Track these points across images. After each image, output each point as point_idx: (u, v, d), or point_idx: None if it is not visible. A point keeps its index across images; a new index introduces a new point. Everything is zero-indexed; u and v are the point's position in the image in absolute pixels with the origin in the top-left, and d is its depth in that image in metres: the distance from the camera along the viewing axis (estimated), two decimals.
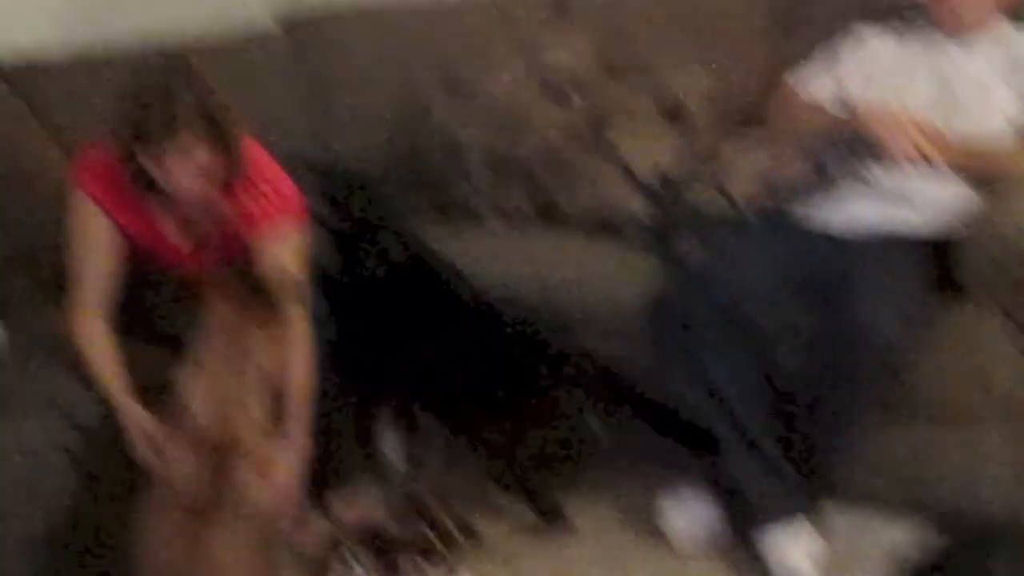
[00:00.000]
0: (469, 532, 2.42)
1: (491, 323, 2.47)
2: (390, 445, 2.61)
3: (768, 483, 2.32)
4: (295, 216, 2.36)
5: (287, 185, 2.37)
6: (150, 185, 2.21)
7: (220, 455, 2.01)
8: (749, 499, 2.34)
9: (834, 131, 2.47)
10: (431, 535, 2.34)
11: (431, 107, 3.12)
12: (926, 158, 2.33)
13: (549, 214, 2.88)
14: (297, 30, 3.37)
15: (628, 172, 2.80)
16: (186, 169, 2.15)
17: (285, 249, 2.30)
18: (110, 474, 2.28)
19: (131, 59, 2.83)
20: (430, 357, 2.47)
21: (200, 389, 2.05)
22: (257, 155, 2.32)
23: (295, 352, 2.18)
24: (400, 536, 2.31)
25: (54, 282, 2.43)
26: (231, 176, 2.22)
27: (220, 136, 2.16)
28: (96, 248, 2.25)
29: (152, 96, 2.13)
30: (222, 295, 2.09)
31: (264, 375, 2.07)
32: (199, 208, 2.27)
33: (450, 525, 2.38)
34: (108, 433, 2.26)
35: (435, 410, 2.58)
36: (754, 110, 2.88)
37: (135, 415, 2.15)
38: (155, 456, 2.10)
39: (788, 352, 2.38)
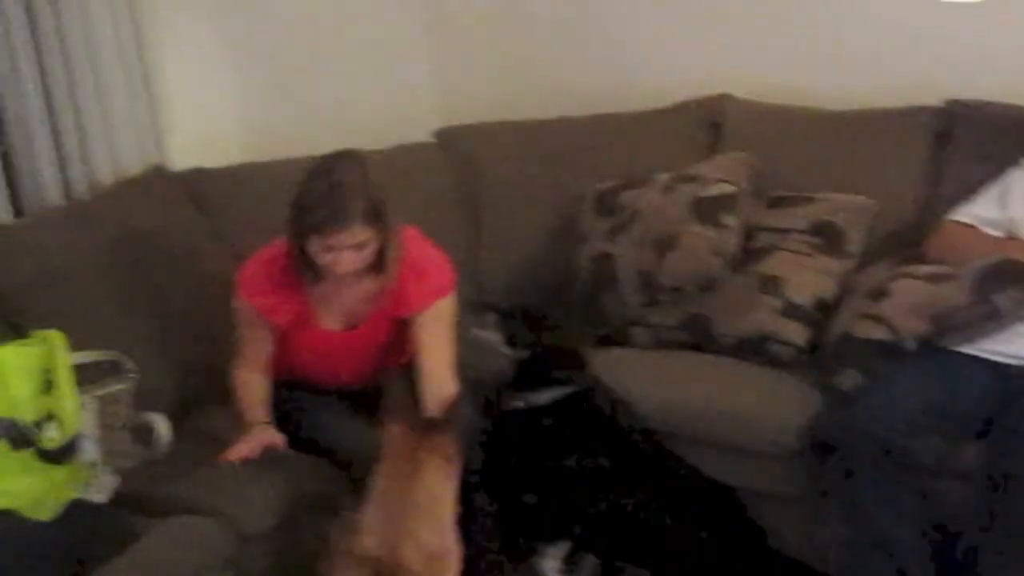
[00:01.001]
0: None
1: (651, 455, 2.47)
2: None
3: None
4: (448, 294, 2.58)
5: (442, 269, 2.60)
6: (314, 272, 2.46)
7: None
8: None
9: (1006, 270, 2.42)
10: None
11: (582, 222, 3.18)
12: None
13: (700, 336, 2.87)
14: (451, 142, 3.48)
15: (784, 297, 2.78)
16: (352, 257, 2.40)
17: (435, 329, 2.55)
18: None
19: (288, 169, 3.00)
20: (587, 490, 2.48)
21: (371, 512, 2.12)
22: (414, 240, 2.56)
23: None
24: None
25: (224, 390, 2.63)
26: (391, 261, 2.47)
27: (383, 226, 2.41)
28: (254, 335, 2.60)
29: (326, 188, 2.36)
30: (396, 420, 2.19)
31: (433, 498, 2.11)
32: (358, 292, 2.53)
33: None
34: (272, 545, 2.35)
35: (590, 545, 2.57)
36: (912, 240, 2.85)
37: (266, 433, 2.48)
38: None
39: (951, 490, 2.32)
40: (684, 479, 2.53)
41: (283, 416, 2.58)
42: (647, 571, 2.55)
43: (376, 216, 2.39)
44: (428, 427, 2.25)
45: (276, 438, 2.50)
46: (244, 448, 2.47)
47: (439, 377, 2.53)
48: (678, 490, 2.50)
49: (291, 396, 2.62)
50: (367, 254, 2.43)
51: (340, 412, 2.61)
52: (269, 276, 2.53)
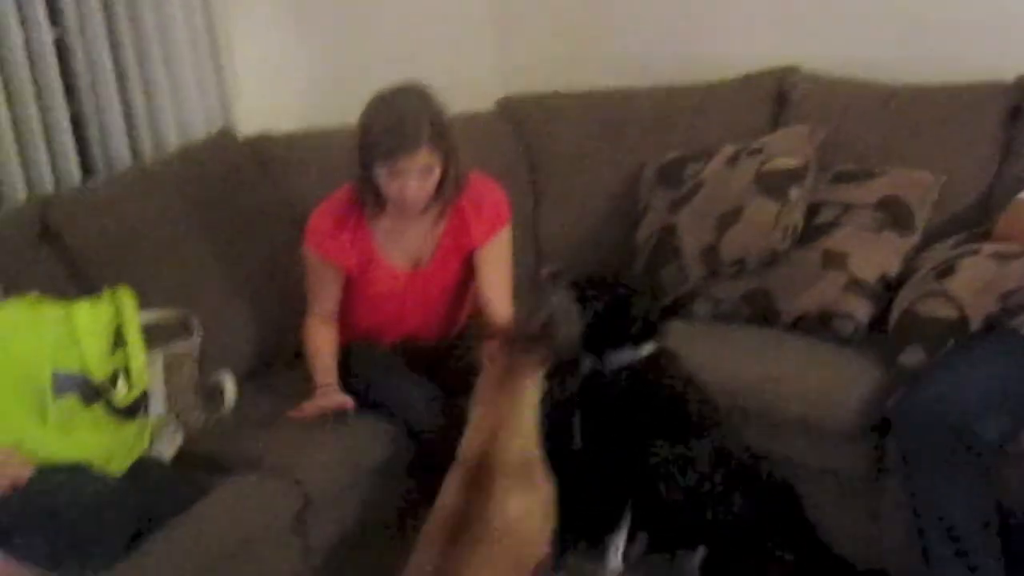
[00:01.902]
0: None
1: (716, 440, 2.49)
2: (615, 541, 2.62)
3: None
4: (506, 224, 2.71)
5: (499, 200, 2.71)
6: (377, 203, 2.56)
7: (482, 479, 2.22)
8: None
9: None
10: None
11: (644, 193, 3.17)
12: None
13: (762, 310, 2.85)
14: (514, 111, 3.48)
15: (848, 272, 2.75)
16: (419, 184, 2.49)
17: (497, 258, 2.70)
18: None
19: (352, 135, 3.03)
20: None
21: (471, 419, 2.32)
22: (471, 176, 2.66)
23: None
24: None
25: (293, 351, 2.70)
26: (455, 191, 2.59)
27: (448, 148, 2.51)
28: (323, 285, 2.69)
29: (395, 116, 2.45)
30: (494, 336, 2.40)
31: (524, 410, 2.31)
32: (422, 230, 2.64)
33: None
34: (337, 508, 2.39)
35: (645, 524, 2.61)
36: (980, 218, 2.81)
37: (336, 395, 2.54)
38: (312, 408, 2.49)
39: (1016, 472, 2.29)
40: (748, 467, 2.52)
41: (350, 378, 2.62)
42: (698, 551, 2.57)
43: (441, 139, 2.48)
44: (523, 342, 2.36)
45: (345, 400, 2.54)
46: (312, 408, 2.51)
47: (502, 308, 2.67)
48: (741, 478, 2.49)
49: (359, 358, 2.66)
50: (432, 182, 2.51)
51: (406, 376, 2.65)
52: (335, 220, 2.62)
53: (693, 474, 2.44)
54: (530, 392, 2.33)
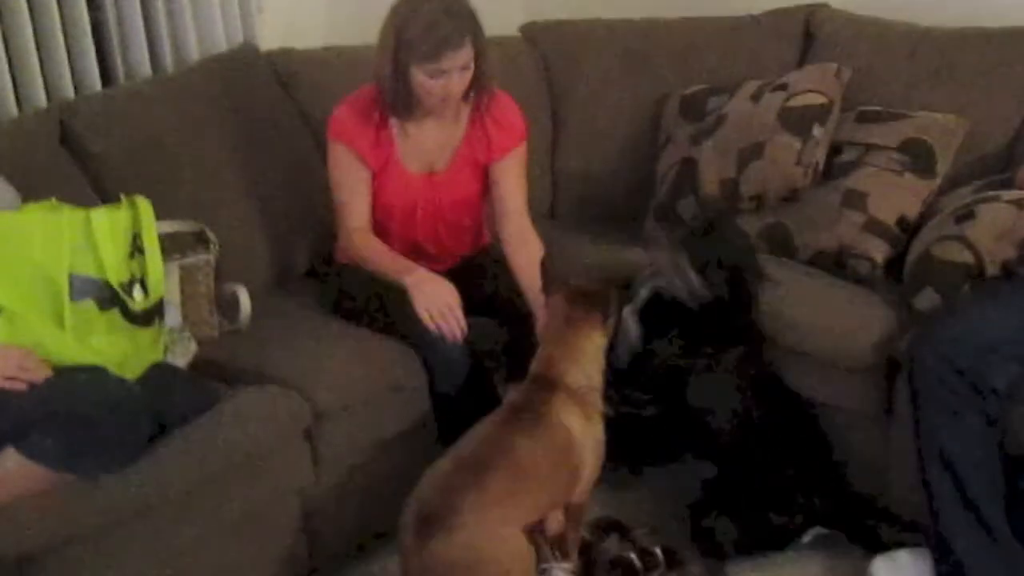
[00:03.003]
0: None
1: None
2: None
3: (991, 559, 2.24)
4: (524, 139, 2.72)
5: (519, 116, 2.71)
6: (410, 107, 2.55)
7: (546, 387, 2.33)
8: (970, 573, 2.27)
9: None
10: None
11: (665, 125, 3.15)
12: None
13: (779, 246, 2.84)
14: (537, 36, 3.44)
15: (867, 213, 2.74)
16: (461, 78, 2.50)
17: (515, 173, 2.70)
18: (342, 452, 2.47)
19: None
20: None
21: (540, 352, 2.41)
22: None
23: None
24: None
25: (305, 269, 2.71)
26: (485, 91, 2.60)
27: (483, 48, 2.51)
28: (354, 191, 2.65)
29: (433, 15, 2.43)
30: (556, 290, 2.44)
31: (585, 353, 2.38)
32: (442, 135, 2.64)
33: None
34: (347, 423, 2.41)
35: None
36: (1004, 165, 2.79)
37: (425, 273, 2.55)
38: (436, 316, 2.49)
39: (1021, 416, 2.30)
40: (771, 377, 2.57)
41: (366, 300, 2.63)
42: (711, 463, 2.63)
43: (478, 33, 2.49)
44: (585, 296, 2.40)
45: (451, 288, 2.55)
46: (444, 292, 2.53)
47: (518, 220, 2.69)
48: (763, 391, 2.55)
49: (373, 282, 2.65)
50: (469, 77, 2.52)
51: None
52: (361, 114, 2.61)
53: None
54: (595, 337, 2.38)
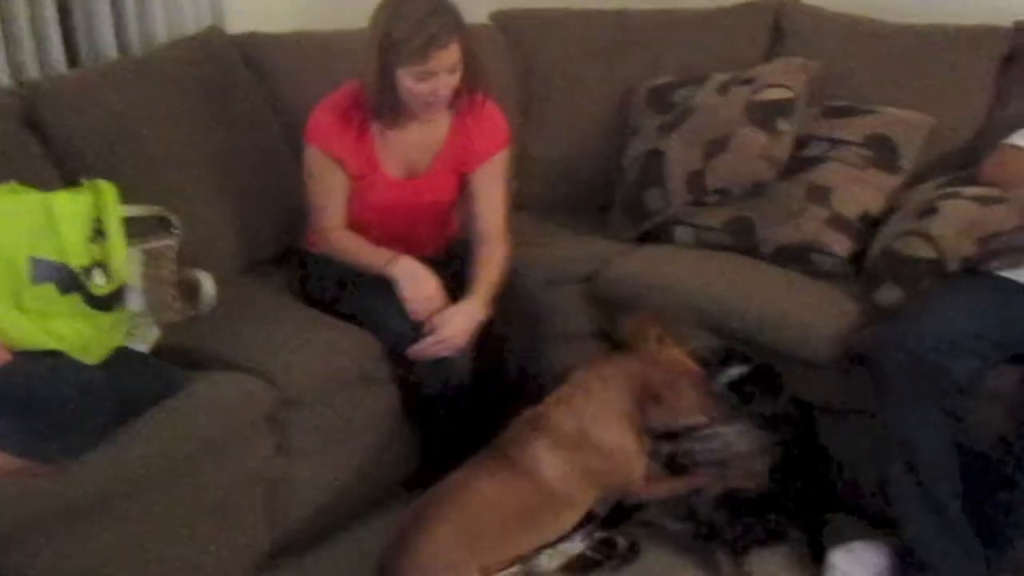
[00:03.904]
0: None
1: None
2: None
3: (949, 550, 2.28)
4: (506, 147, 2.70)
5: (502, 122, 2.69)
6: (395, 113, 2.53)
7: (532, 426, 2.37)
8: (928, 563, 2.30)
9: None
10: None
11: (633, 116, 3.16)
12: None
13: (743, 239, 2.86)
14: (507, 24, 3.44)
15: (831, 208, 2.76)
16: (450, 80, 2.47)
17: (494, 178, 2.69)
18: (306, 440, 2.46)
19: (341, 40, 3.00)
20: None
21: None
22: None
23: None
24: None
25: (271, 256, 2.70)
26: (473, 94, 2.58)
27: (473, 55, 2.50)
28: (330, 195, 2.63)
29: (419, 15, 2.39)
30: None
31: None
32: (423, 140, 2.61)
33: None
34: (309, 406, 2.41)
35: None
36: (967, 161, 2.81)
37: (409, 262, 2.54)
38: (422, 305, 2.50)
39: (980, 410, 2.33)
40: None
41: (315, 282, 2.64)
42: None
43: (465, 33, 2.46)
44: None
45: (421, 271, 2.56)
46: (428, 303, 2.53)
47: (493, 221, 2.68)
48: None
49: (340, 269, 2.65)
50: (457, 78, 2.49)
51: (391, 297, 2.59)
52: (340, 118, 2.57)
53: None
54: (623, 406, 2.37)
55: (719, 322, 2.65)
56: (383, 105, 2.52)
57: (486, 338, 2.57)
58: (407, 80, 2.45)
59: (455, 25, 2.43)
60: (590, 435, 2.33)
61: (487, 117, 2.66)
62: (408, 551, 2.19)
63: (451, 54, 2.44)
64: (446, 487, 2.29)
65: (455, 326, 2.49)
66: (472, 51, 2.50)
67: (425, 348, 2.49)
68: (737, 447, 2.44)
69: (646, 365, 2.38)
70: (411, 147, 2.64)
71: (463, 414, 2.66)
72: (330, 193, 2.62)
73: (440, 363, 2.53)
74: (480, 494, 2.26)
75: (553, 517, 2.34)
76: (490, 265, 2.62)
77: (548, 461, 2.30)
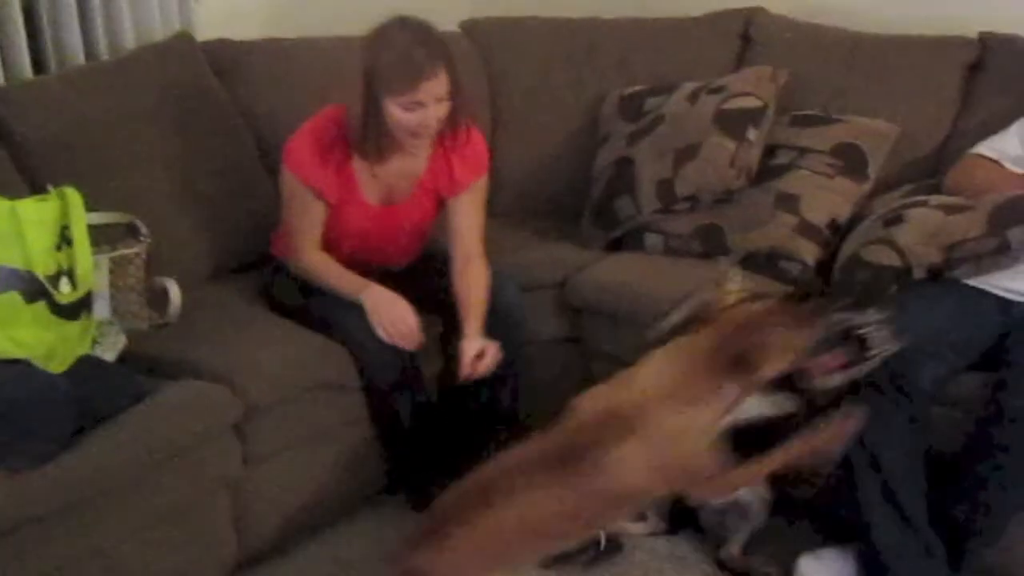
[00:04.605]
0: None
1: None
2: None
3: (914, 557, 2.29)
4: (485, 172, 2.69)
5: (483, 149, 2.68)
6: (381, 148, 2.50)
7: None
8: (892, 569, 2.31)
9: (1021, 204, 2.41)
10: None
11: (603, 124, 3.16)
12: None
13: (712, 246, 2.88)
14: (477, 33, 3.44)
15: (799, 215, 2.78)
16: (438, 110, 2.44)
17: (473, 204, 2.67)
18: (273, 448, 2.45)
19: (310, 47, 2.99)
20: None
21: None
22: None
23: None
24: None
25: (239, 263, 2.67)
26: (454, 128, 2.55)
27: (459, 85, 2.47)
28: (308, 217, 2.60)
29: (404, 45, 2.38)
30: None
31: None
32: (403, 169, 2.58)
33: None
34: (274, 413, 2.41)
35: None
36: (933, 170, 2.84)
37: (380, 292, 2.54)
38: (393, 334, 2.49)
39: (944, 416, 2.35)
40: None
41: (300, 295, 2.63)
42: None
43: (451, 62, 2.44)
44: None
45: (405, 306, 2.54)
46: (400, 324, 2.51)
47: (470, 246, 2.65)
48: None
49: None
50: (446, 108, 2.47)
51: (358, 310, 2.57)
52: (320, 150, 2.54)
53: None
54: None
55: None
56: (368, 138, 2.49)
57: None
58: (395, 111, 2.43)
59: (442, 54, 2.42)
60: (674, 430, 2.01)
61: (470, 146, 2.63)
62: (438, 547, 2.00)
63: (439, 83, 2.41)
64: (492, 478, 2.04)
65: (470, 362, 2.51)
66: (459, 81, 2.48)
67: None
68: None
69: (721, 334, 2.04)
70: (392, 176, 2.62)
71: (434, 424, 2.68)
72: (305, 216, 2.60)
73: (404, 380, 2.57)
74: (533, 490, 2.00)
75: (607, 519, 2.18)
76: (477, 288, 2.60)
77: (629, 463, 1.99)
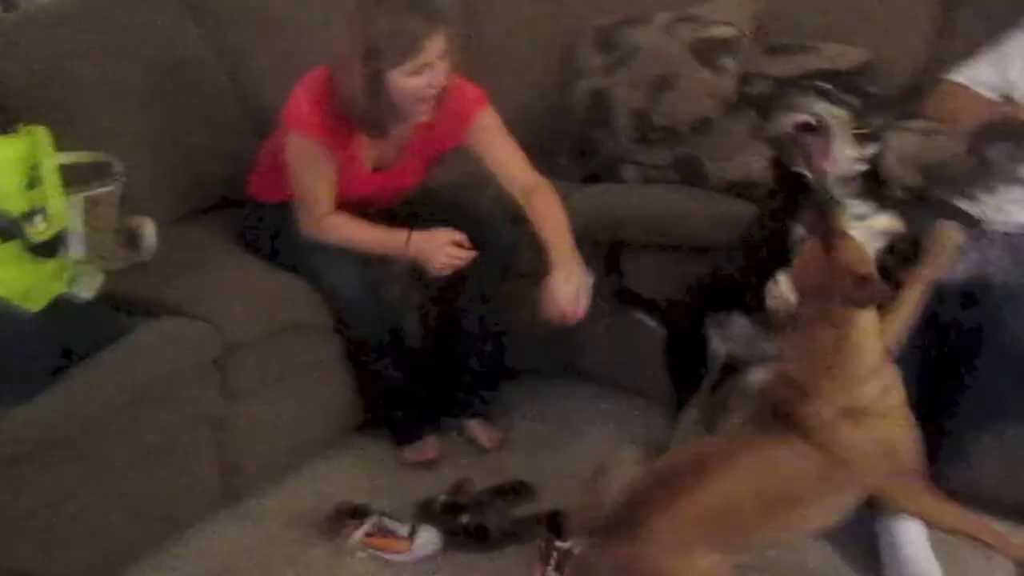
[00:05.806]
0: None
1: None
2: None
3: None
4: (485, 106, 2.60)
5: (466, 91, 2.58)
6: (384, 121, 2.45)
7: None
8: None
9: (1000, 126, 2.41)
10: None
11: (579, 57, 3.14)
12: None
13: (690, 176, 2.87)
14: None
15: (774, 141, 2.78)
16: (443, 68, 2.39)
17: (493, 136, 2.61)
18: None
19: None
20: None
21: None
22: None
23: None
24: None
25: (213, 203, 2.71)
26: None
27: (454, 35, 2.41)
28: (320, 173, 2.52)
29: (403, 6, 2.33)
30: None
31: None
32: (400, 134, 2.53)
33: None
34: (252, 349, 2.43)
35: None
36: (911, 97, 2.84)
37: (417, 237, 2.51)
38: (449, 262, 2.50)
39: (925, 347, 2.36)
40: None
41: (274, 235, 2.62)
42: None
43: (444, 15, 2.39)
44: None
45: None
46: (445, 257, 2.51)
47: (533, 183, 2.61)
48: None
49: (282, 218, 2.61)
50: (448, 64, 2.41)
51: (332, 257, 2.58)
52: (318, 110, 2.46)
53: None
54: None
55: (673, 227, 2.71)
56: (370, 118, 2.44)
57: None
58: (400, 79, 2.37)
59: (436, 9, 2.37)
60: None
61: (450, 98, 2.52)
62: (643, 524, 1.83)
63: (440, 41, 2.37)
64: (707, 452, 1.94)
65: (563, 300, 2.46)
66: (457, 29, 2.44)
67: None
68: None
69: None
70: (386, 143, 2.57)
71: (416, 366, 2.70)
72: (319, 180, 2.52)
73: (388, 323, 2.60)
74: (762, 465, 1.88)
75: (828, 506, 1.93)
76: (551, 217, 2.55)
77: (857, 436, 1.86)
